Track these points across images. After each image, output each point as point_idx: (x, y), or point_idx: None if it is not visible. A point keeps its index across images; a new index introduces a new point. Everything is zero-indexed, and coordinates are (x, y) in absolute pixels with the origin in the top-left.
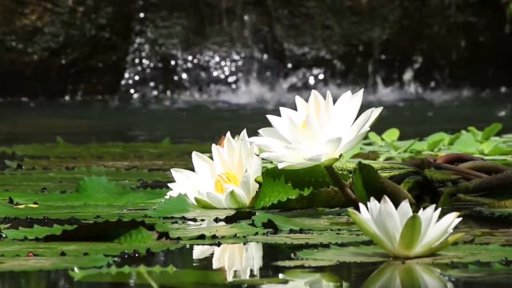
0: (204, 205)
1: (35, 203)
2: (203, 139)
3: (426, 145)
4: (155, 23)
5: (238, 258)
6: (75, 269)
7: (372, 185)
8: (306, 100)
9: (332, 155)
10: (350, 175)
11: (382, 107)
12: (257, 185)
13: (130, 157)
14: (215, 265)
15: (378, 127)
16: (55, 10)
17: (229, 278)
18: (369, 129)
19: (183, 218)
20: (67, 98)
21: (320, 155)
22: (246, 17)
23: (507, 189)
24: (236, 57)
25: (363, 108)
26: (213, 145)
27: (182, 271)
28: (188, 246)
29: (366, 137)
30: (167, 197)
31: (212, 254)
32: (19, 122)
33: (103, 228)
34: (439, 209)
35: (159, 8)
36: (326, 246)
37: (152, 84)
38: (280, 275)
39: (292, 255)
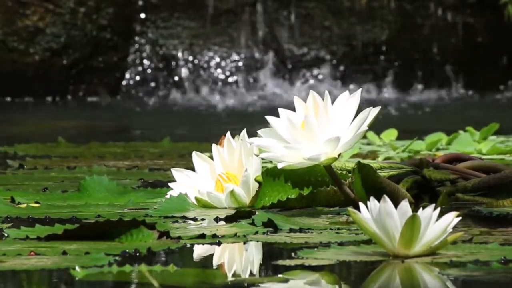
0: (204, 205)
1: (36, 202)
2: (203, 139)
3: (424, 145)
4: (156, 24)
5: (238, 257)
6: (77, 268)
7: (371, 185)
8: (305, 101)
9: (331, 154)
10: (349, 174)
11: (379, 107)
12: (257, 185)
13: (131, 157)
14: (215, 264)
15: (377, 127)
16: (56, 11)
17: (229, 277)
18: (367, 128)
19: (184, 217)
20: (68, 98)
21: (319, 154)
22: (246, 18)
23: (505, 188)
24: (236, 57)
25: (364, 108)
26: (213, 145)
27: (182, 270)
28: (188, 245)
29: (364, 137)
30: (167, 196)
31: (212, 253)
32: (21, 122)
33: (104, 227)
34: (439, 209)
35: (160, 9)
36: (326, 245)
37: (153, 84)
38: (280, 274)
39: (292, 254)
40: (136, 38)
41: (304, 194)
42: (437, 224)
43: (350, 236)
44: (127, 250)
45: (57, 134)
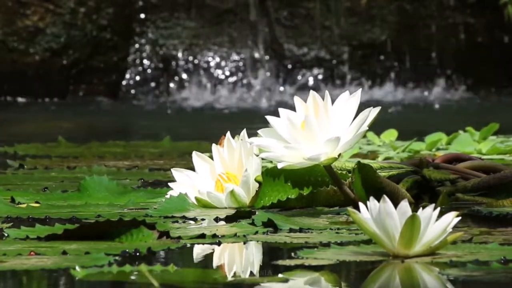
0: (204, 205)
1: (36, 202)
2: (203, 139)
3: (424, 145)
4: (156, 24)
5: (238, 257)
6: (77, 268)
7: (371, 185)
8: (305, 101)
9: (331, 154)
10: (349, 174)
11: (380, 107)
12: (257, 185)
13: (131, 157)
14: (215, 264)
15: (378, 127)
16: (56, 11)
17: (229, 277)
18: (367, 128)
19: (184, 217)
20: (68, 98)
21: (319, 154)
22: (246, 18)
23: (505, 188)
24: (236, 57)
25: (363, 108)
26: (213, 145)
27: (182, 269)
28: (188, 245)
29: (364, 137)
30: (167, 196)
31: (212, 253)
32: (21, 122)
33: (104, 227)
34: (438, 209)
35: (160, 9)
36: (326, 245)
37: (153, 84)
38: (280, 274)
39: (292, 254)
40: (136, 38)
41: (304, 194)
42: (437, 224)
43: (350, 236)
44: (127, 250)
45: (57, 134)
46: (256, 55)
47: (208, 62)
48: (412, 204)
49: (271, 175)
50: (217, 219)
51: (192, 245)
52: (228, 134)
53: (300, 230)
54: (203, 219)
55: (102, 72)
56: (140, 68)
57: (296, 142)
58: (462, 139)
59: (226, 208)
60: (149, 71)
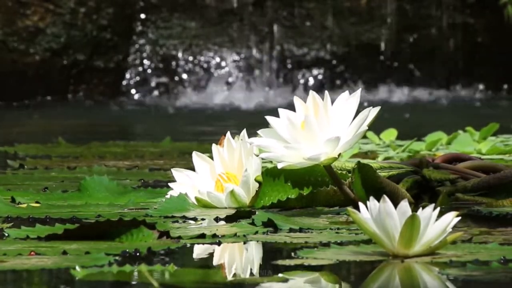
0: (204, 205)
1: (37, 202)
2: (203, 139)
3: (424, 145)
4: (156, 24)
5: (238, 257)
6: (77, 267)
7: (371, 185)
8: (305, 101)
9: (331, 154)
10: (349, 174)
11: (379, 107)
12: (257, 185)
13: (131, 157)
14: (215, 264)
15: (377, 127)
16: (56, 11)
17: (229, 276)
18: (367, 128)
19: (184, 217)
20: (68, 98)
21: (319, 154)
22: (246, 18)
23: (504, 188)
24: (236, 57)
25: (363, 108)
26: (213, 145)
27: (182, 270)
28: (188, 245)
29: (364, 137)
30: (167, 196)
31: (212, 253)
32: (21, 122)
33: (105, 227)
34: (438, 209)
35: (160, 9)
36: (326, 245)
37: (153, 84)
38: (280, 274)
39: (292, 254)
40: (136, 38)
41: (304, 194)
42: (437, 224)
43: (350, 236)
44: (127, 250)
45: (57, 134)
46: (256, 55)
47: (208, 62)
48: (412, 204)
49: (271, 175)
50: (217, 219)
51: (192, 245)
52: (228, 134)
53: (300, 230)
54: (203, 219)
55: (102, 72)
56: (140, 68)
57: (296, 142)
58: (462, 139)
59: (226, 208)
60: (149, 71)
